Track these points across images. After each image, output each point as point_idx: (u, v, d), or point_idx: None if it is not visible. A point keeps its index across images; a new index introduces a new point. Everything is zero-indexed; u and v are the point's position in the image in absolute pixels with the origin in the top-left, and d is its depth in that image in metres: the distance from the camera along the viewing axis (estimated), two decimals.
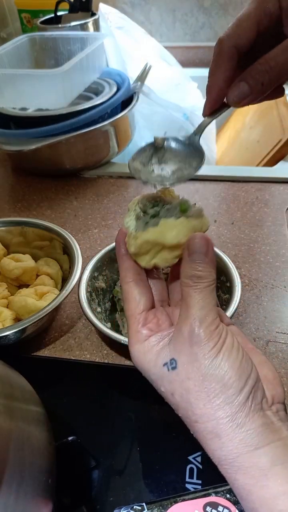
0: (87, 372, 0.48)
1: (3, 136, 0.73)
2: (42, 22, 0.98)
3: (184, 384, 0.24)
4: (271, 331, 0.51)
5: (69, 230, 0.56)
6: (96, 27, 0.98)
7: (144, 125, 0.94)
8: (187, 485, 0.37)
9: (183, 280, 0.26)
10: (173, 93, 0.99)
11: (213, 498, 0.28)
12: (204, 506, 0.28)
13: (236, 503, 0.28)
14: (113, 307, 0.54)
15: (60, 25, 0.96)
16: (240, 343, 0.25)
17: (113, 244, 0.54)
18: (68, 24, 0.95)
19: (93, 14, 0.97)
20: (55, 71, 0.67)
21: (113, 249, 0.53)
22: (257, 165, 0.94)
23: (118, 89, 0.79)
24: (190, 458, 0.39)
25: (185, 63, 1.17)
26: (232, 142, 1.13)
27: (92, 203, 0.75)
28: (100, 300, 0.51)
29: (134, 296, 0.28)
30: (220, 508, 0.28)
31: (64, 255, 0.55)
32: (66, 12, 0.99)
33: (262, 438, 0.22)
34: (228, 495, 0.28)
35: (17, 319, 0.49)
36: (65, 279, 0.53)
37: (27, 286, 0.55)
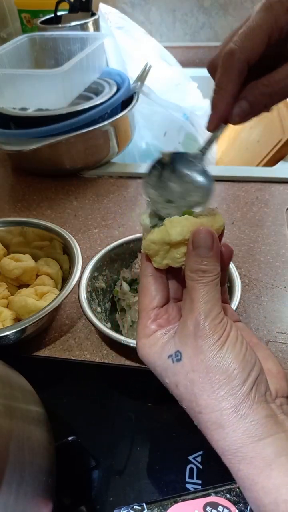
0: (87, 372, 0.48)
1: (3, 136, 0.73)
2: (42, 22, 0.98)
3: (189, 375, 0.25)
4: (271, 331, 0.51)
5: (69, 230, 0.56)
6: (96, 27, 0.98)
7: (144, 125, 0.94)
8: (187, 485, 0.37)
9: (188, 274, 0.26)
10: (173, 93, 0.99)
11: (213, 498, 0.28)
12: (204, 506, 0.28)
13: (236, 503, 0.28)
14: (113, 307, 0.54)
15: (60, 25, 0.96)
16: (244, 337, 0.25)
17: (113, 244, 0.54)
18: (68, 24, 0.95)
19: (93, 14, 0.97)
20: (55, 71, 0.67)
21: (113, 249, 0.53)
22: (257, 165, 0.93)
23: (118, 89, 0.79)
24: (190, 458, 0.39)
25: (185, 63, 1.17)
26: (232, 142, 1.13)
27: (92, 203, 0.75)
28: (100, 300, 0.51)
29: (151, 292, 0.28)
30: (220, 508, 0.28)
31: (64, 255, 0.55)
32: (66, 12, 0.99)
33: (266, 429, 0.22)
34: (228, 495, 0.28)
35: (17, 319, 0.49)
36: (65, 279, 0.53)
37: (27, 286, 0.55)
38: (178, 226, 0.27)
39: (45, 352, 0.50)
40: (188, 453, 0.39)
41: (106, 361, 0.48)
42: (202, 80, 1.11)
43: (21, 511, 0.25)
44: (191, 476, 0.38)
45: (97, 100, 0.75)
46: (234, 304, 0.44)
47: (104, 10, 0.99)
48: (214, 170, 0.81)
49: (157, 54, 1.06)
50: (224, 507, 0.28)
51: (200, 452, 0.39)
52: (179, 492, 0.30)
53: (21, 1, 1.11)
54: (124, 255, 0.55)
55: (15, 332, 0.42)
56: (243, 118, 0.29)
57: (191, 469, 0.38)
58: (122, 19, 1.02)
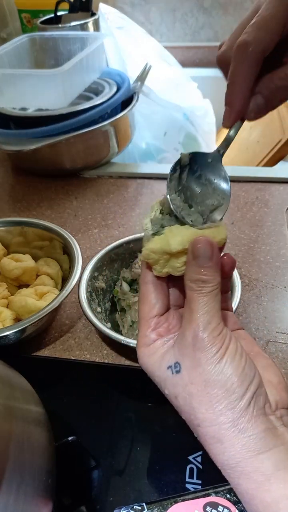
0: (87, 372, 0.48)
1: (3, 136, 0.73)
2: (42, 22, 0.98)
3: (187, 388, 0.24)
4: (271, 331, 0.51)
5: (69, 230, 0.56)
6: (96, 27, 0.98)
7: (144, 125, 0.94)
8: (187, 485, 0.37)
9: (188, 284, 0.26)
10: (173, 93, 0.99)
11: (213, 498, 0.28)
12: (204, 506, 0.28)
13: (236, 503, 0.28)
14: (113, 307, 0.54)
15: (60, 25, 0.96)
16: (243, 348, 0.25)
17: (113, 244, 0.54)
18: (68, 24, 0.95)
19: (93, 14, 0.97)
20: (55, 71, 0.67)
21: (113, 249, 0.53)
22: (257, 165, 0.94)
23: (118, 89, 0.79)
24: (190, 458, 0.39)
25: (185, 63, 1.17)
26: (232, 142, 1.13)
27: (92, 203, 0.75)
28: (100, 300, 0.51)
29: (150, 300, 0.28)
30: (220, 508, 0.28)
31: (64, 255, 0.55)
32: (66, 12, 0.99)
33: (264, 443, 0.22)
34: (228, 495, 0.28)
35: (17, 319, 0.49)
36: (65, 279, 0.53)
37: (27, 286, 0.55)
38: (178, 236, 0.26)
39: (45, 352, 0.50)
40: (188, 453, 0.39)
41: (106, 361, 0.48)
42: (202, 80, 1.11)
43: (21, 511, 0.25)
44: (191, 476, 0.38)
45: (97, 100, 0.75)
46: (234, 304, 0.44)
47: (104, 10, 0.99)
48: None
49: (157, 54, 1.06)
50: (224, 507, 0.28)
51: (200, 452, 0.39)
52: (179, 492, 0.29)
53: (21, 1, 1.11)
54: (124, 255, 0.55)
55: (15, 332, 0.42)
56: (258, 114, 0.28)
57: (191, 469, 0.38)
58: (122, 19, 1.02)
